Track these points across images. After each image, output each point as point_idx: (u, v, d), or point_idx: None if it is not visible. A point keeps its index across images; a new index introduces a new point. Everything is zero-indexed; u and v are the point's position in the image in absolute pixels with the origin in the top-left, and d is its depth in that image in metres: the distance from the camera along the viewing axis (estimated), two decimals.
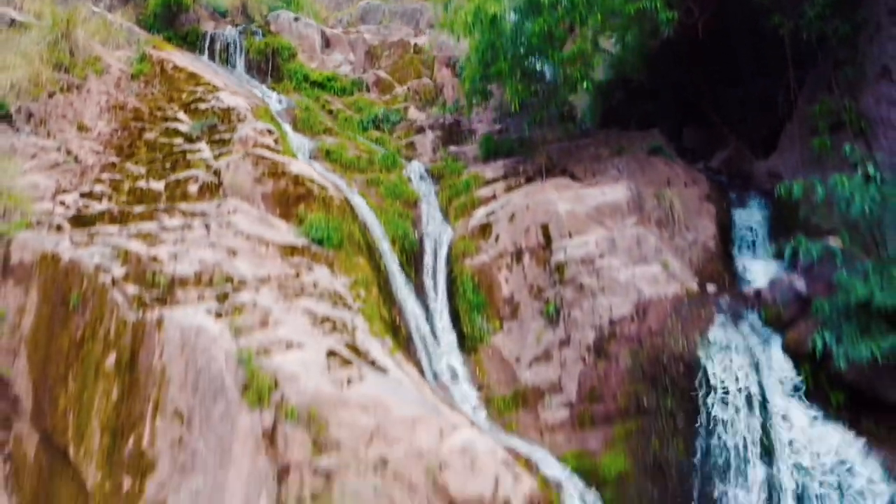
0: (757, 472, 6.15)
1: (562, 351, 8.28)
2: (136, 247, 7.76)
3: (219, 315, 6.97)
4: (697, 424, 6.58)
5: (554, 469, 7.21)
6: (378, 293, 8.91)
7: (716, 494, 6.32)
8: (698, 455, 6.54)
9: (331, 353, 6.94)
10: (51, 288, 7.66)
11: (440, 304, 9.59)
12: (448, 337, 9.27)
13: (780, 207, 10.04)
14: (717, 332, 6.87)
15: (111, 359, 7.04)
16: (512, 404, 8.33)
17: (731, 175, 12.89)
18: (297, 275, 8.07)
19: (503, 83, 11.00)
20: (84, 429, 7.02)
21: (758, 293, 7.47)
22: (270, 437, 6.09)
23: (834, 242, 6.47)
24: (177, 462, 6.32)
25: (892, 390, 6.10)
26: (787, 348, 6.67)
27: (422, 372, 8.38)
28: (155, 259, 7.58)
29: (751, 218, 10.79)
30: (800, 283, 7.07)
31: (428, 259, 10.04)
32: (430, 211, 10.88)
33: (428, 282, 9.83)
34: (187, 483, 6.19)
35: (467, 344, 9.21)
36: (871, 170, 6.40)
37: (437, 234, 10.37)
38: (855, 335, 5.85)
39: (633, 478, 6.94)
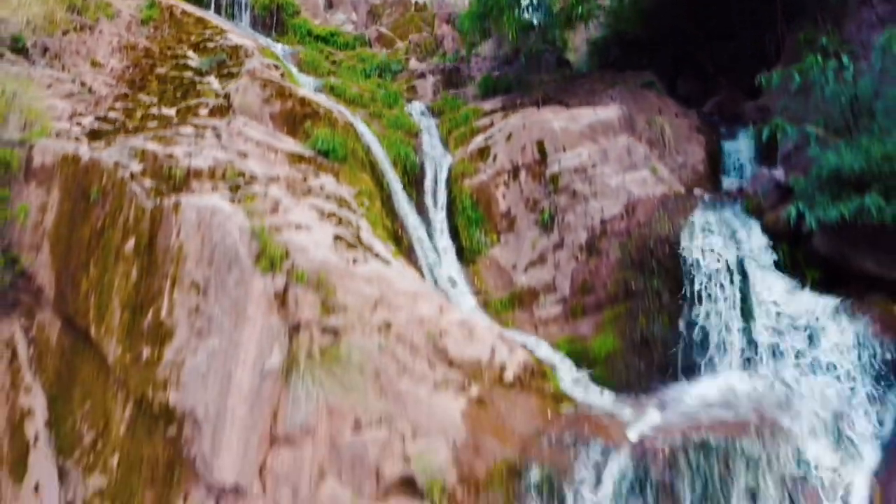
0: (735, 335, 6.58)
1: (556, 253, 8.71)
2: (153, 147, 8.18)
3: (232, 202, 7.40)
4: (681, 298, 7.01)
5: (547, 352, 7.66)
6: (381, 206, 9.34)
7: (698, 359, 6.75)
8: (682, 326, 6.97)
9: (337, 238, 7.37)
10: (72, 185, 8.08)
11: (440, 221, 10.03)
12: (448, 250, 9.71)
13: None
14: (700, 215, 7.31)
15: (130, 243, 7.47)
16: (508, 305, 8.76)
17: (722, 117, 13.30)
18: (305, 179, 8.49)
19: (501, 19, 11.41)
20: (105, 309, 7.45)
21: (740, 189, 7.90)
22: (282, 298, 6.52)
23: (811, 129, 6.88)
24: (194, 328, 6.75)
25: (862, 258, 6.53)
26: (765, 228, 7.10)
27: (423, 277, 8.81)
28: (170, 156, 8.00)
29: (739, 148, 11.23)
30: (779, 173, 7.50)
31: (428, 181, 10.47)
32: (430, 140, 11.30)
33: (429, 201, 10.27)
34: (204, 345, 6.63)
35: (466, 256, 9.65)
36: (846, 60, 6.81)
37: (438, 159, 10.80)
38: (827, 202, 6.27)
39: (622, 355, 7.37)
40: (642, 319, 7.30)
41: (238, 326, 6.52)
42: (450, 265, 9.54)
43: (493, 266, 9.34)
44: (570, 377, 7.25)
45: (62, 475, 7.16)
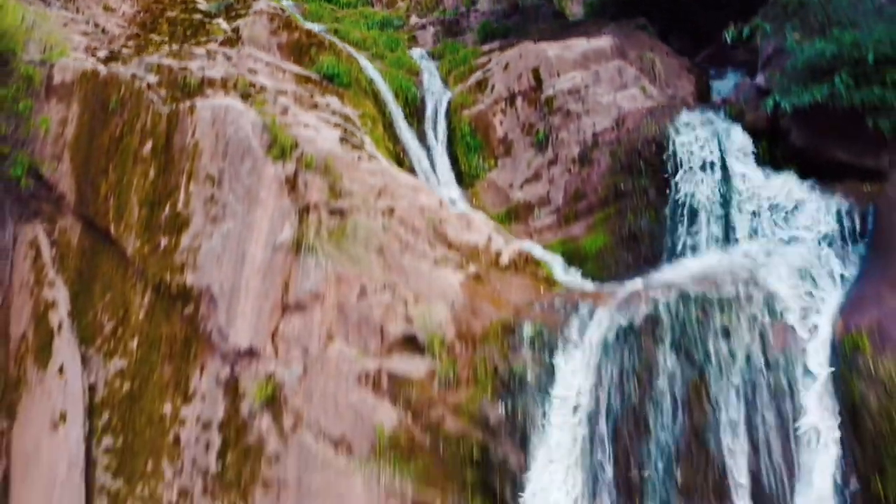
0: (716, 220, 7.03)
1: (550, 169, 9.16)
2: (168, 62, 8.64)
3: (244, 104, 7.85)
4: (666, 193, 7.46)
5: (541, 252, 8.10)
6: (384, 131, 9.79)
7: (681, 246, 7.19)
8: (667, 219, 7.42)
9: (343, 140, 7.82)
10: (91, 97, 8.53)
11: (440, 148, 10.47)
12: (447, 174, 10.15)
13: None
14: (684, 116, 7.77)
15: (148, 146, 7.92)
16: (505, 219, 9.19)
17: (712, 65, 13.71)
18: (311, 96, 8.93)
19: None
20: (124, 208, 7.90)
21: (724, 99, 8.35)
22: (292, 183, 6.97)
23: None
24: (209, 215, 7.20)
25: (834, 148, 6.97)
26: (746, 128, 7.55)
27: None
28: (184, 69, 8.45)
29: (728, 86, 11.67)
30: (760, 79, 7.95)
31: (429, 112, 10.91)
32: (431, 79, 11.73)
33: (429, 131, 10.71)
34: (219, 229, 7.08)
35: (465, 181, 10.08)
36: None
37: (438, 94, 11.23)
38: (801, 91, 6.72)
39: (611, 250, 7.82)
40: (630, 216, 7.75)
41: (251, 210, 6.97)
42: (449, 188, 9.97)
43: (491, 188, 9.77)
44: (561, 270, 7.69)
45: (84, 361, 7.62)
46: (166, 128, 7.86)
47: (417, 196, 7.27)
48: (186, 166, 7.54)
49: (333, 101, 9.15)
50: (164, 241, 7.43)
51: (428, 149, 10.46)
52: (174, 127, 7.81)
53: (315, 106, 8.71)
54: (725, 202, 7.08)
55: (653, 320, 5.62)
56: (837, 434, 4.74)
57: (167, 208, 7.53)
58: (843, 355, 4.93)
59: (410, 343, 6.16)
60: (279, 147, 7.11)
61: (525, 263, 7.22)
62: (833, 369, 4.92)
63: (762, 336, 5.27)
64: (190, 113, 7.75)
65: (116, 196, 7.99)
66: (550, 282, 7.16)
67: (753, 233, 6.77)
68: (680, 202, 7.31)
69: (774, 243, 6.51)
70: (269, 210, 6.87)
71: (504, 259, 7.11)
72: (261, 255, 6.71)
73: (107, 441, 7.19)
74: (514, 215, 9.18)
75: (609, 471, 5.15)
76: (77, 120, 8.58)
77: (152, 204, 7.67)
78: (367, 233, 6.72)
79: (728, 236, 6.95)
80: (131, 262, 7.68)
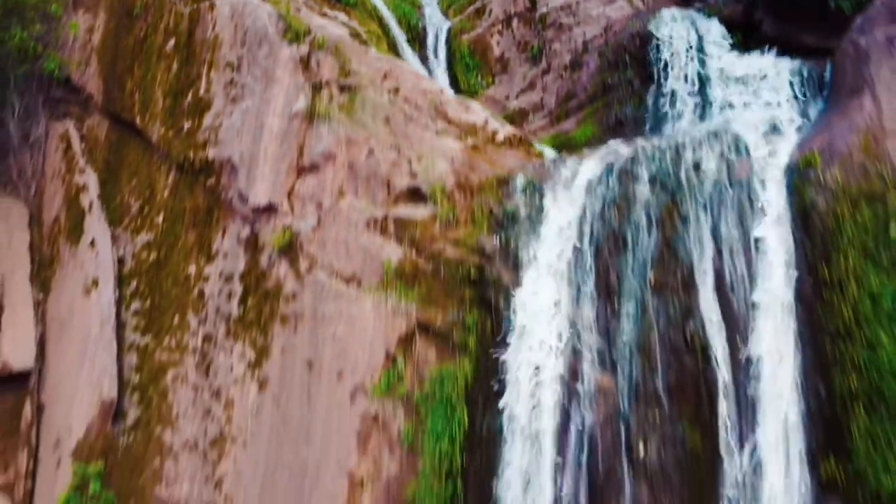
0: (693, 97, 7.68)
1: (544, 78, 9.82)
2: None
3: None
4: (649, 82, 8.12)
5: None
6: (388, 49, 10.42)
7: (663, 127, 7.84)
8: (649, 104, 8.07)
9: (352, 35, 8.47)
10: (116, 5, 9.20)
11: (441, 69, 11.14)
12: (448, 91, 10.79)
13: None
14: (665, 12, 8.42)
15: (171, 43, 8.57)
16: None
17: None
18: (321, 8, 9.58)
19: None
20: (149, 100, 8.56)
21: (703, 1, 9.04)
22: (306, 62, 7.61)
23: None
24: (229, 96, 7.85)
25: (804, 34, 7.65)
26: (722, 21, 8.21)
27: None
28: None
29: None
30: None
31: (430, 39, 11.58)
32: (432, 11, 12.40)
33: (430, 55, 11.38)
34: (238, 107, 7.73)
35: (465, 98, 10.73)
36: None
37: (438, 24, 11.91)
38: None
39: (599, 138, 8.45)
40: (616, 106, 8.41)
41: (268, 88, 7.62)
42: None
43: (489, 101, 10.41)
44: (550, 152, 8.35)
45: (113, 239, 8.27)
46: (188, 25, 8.51)
47: (420, 81, 7.91)
48: (207, 57, 8.19)
49: (341, 16, 9.78)
50: (187, 125, 8.08)
51: (429, 70, 11.13)
52: (195, 23, 8.46)
53: (324, 15, 9.35)
54: (702, 83, 7.73)
55: (632, 161, 6.25)
56: (790, 235, 5.38)
57: (189, 96, 8.18)
58: (798, 171, 5.57)
59: (414, 194, 6.79)
60: (293, 31, 7.76)
61: (519, 142, 7.84)
62: (787, 181, 5.56)
63: (728, 167, 5.90)
64: (210, 10, 8.40)
65: (142, 91, 8.64)
66: (541, 157, 7.80)
67: (727, 105, 7.41)
68: (661, 87, 7.95)
69: (745, 111, 7.16)
70: (285, 85, 7.51)
71: (500, 137, 7.73)
72: (278, 125, 7.35)
73: (135, 305, 7.84)
74: (509, 121, 9.72)
75: (591, 280, 5.78)
76: (104, 27, 9.25)
77: (176, 94, 8.32)
78: (375, 106, 7.35)
79: (704, 114, 7.59)
80: (157, 147, 8.33)
